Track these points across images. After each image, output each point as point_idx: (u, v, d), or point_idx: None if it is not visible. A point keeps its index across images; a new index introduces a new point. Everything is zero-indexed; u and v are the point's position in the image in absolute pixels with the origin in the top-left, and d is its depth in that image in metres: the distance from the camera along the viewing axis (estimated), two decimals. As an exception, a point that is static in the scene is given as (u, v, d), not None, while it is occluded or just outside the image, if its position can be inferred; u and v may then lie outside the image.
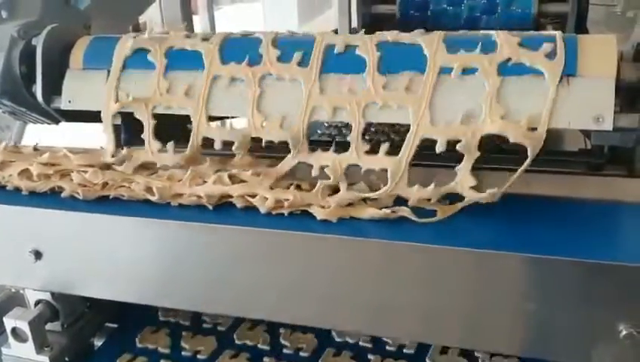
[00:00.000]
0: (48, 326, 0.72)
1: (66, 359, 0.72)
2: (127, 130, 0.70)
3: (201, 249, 0.58)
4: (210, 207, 0.59)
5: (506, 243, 0.51)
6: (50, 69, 0.70)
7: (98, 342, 0.80)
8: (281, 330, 0.79)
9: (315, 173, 0.58)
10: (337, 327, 0.69)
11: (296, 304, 0.58)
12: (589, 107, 0.54)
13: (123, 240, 0.61)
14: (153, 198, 0.61)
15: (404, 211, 0.55)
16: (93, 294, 0.66)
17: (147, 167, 0.64)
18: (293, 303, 0.58)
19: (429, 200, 0.56)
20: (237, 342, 0.77)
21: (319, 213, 0.56)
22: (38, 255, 0.63)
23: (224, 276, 0.59)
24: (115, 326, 0.82)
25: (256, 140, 0.61)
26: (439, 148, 0.55)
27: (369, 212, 0.55)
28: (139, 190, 0.61)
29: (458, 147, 0.54)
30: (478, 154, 0.55)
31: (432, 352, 0.73)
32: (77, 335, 0.75)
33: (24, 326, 0.68)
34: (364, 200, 0.58)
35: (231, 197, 0.59)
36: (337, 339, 0.77)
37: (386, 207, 0.56)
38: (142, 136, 0.64)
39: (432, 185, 0.55)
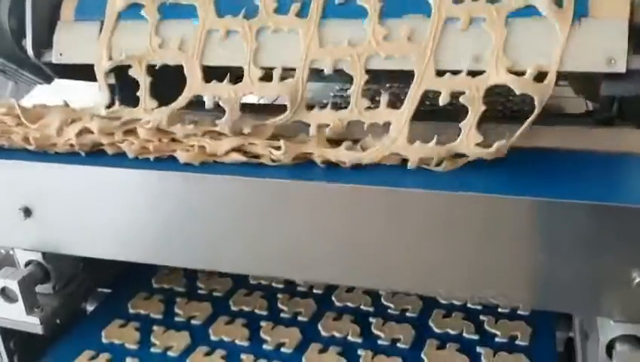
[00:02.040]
0: (39, 289, 0.69)
1: (57, 321, 0.70)
2: (122, 90, 0.68)
3: (200, 202, 0.55)
4: (83, 154, 0.59)
5: (513, 189, 0.49)
6: (40, 22, 0.68)
7: (90, 307, 0.78)
8: (279, 296, 0.76)
9: (312, 132, 0.56)
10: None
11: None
12: (600, 49, 0.52)
13: (117, 195, 0.58)
14: (30, 147, 0.61)
15: (264, 158, 0.54)
16: (85, 253, 0.63)
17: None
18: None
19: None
20: (233, 308, 0.75)
21: (182, 157, 0.55)
22: (27, 212, 0.61)
23: (227, 231, 0.56)
24: (109, 291, 0.80)
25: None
26: (442, 100, 0.53)
27: (232, 156, 0.55)
28: (17, 140, 0.62)
29: (461, 99, 0.52)
30: (483, 108, 0.52)
31: (435, 316, 0.71)
32: (69, 298, 0.72)
33: (14, 286, 0.65)
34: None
35: (102, 145, 0.59)
36: (337, 304, 0.75)
37: (245, 152, 0.55)
38: (137, 94, 0.62)
39: (434, 143, 0.52)
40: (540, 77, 0.52)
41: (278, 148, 0.54)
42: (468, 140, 0.52)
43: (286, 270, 0.57)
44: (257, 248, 0.55)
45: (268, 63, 0.58)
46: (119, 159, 0.59)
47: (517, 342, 0.66)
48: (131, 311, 0.76)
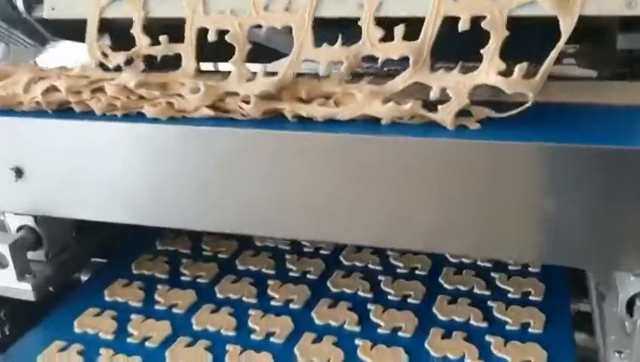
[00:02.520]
0: (32, 256, 0.66)
1: (50, 289, 0.67)
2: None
3: (203, 158, 0.52)
4: (50, 111, 0.56)
5: (520, 136, 0.44)
6: None
7: (84, 277, 0.75)
8: (270, 281, 0.71)
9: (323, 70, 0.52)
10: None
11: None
12: None
13: (115, 151, 0.54)
14: None
15: (235, 113, 0.52)
16: (77, 215, 0.60)
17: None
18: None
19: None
20: (219, 295, 0.69)
21: (149, 112, 0.53)
22: (19, 172, 0.57)
23: (225, 188, 0.52)
24: (104, 261, 0.77)
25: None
26: (433, 95, 0.49)
27: (202, 112, 0.52)
28: None
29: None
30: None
31: (440, 302, 0.65)
32: (62, 266, 0.69)
33: (4, 250, 0.61)
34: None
35: (69, 103, 0.56)
36: (333, 290, 0.69)
37: (215, 108, 0.52)
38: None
39: (410, 105, 0.48)
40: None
41: (248, 102, 0.51)
42: (445, 119, 0.48)
43: (270, 227, 0.53)
44: (259, 208, 0.52)
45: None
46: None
47: (530, 330, 0.60)
48: (107, 298, 0.70)
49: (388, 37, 0.49)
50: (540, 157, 0.44)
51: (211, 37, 0.54)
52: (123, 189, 0.55)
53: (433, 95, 0.49)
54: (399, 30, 0.49)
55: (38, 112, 0.57)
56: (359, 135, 0.47)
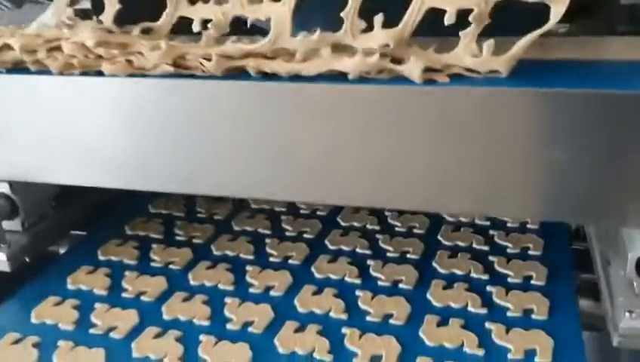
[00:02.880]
0: (8, 226, 0.65)
1: (26, 259, 0.65)
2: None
3: (183, 114, 0.48)
4: (4, 71, 0.52)
5: (519, 84, 0.40)
6: None
7: (62, 250, 0.74)
8: (248, 268, 0.65)
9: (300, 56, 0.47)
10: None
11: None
12: None
13: (92, 110, 0.50)
14: None
15: (195, 69, 0.48)
16: (57, 180, 0.55)
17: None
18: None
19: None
20: (192, 282, 0.63)
21: (107, 69, 0.49)
22: None
23: (207, 148, 0.48)
24: (83, 233, 0.75)
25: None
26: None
27: (162, 68, 0.49)
28: None
29: None
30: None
31: (434, 287, 0.60)
32: (39, 236, 0.67)
33: None
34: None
35: (24, 62, 0.52)
36: (318, 276, 0.64)
37: (178, 66, 0.49)
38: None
39: (377, 57, 0.44)
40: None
41: (209, 59, 0.47)
42: (413, 73, 0.44)
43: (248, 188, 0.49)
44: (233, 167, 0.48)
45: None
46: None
47: (533, 317, 0.55)
48: (70, 285, 0.63)
49: (369, 29, 0.45)
50: (537, 104, 0.40)
51: (196, 27, 0.50)
52: (101, 150, 0.51)
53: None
54: (378, 19, 0.45)
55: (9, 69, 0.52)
56: (354, 85, 0.43)
